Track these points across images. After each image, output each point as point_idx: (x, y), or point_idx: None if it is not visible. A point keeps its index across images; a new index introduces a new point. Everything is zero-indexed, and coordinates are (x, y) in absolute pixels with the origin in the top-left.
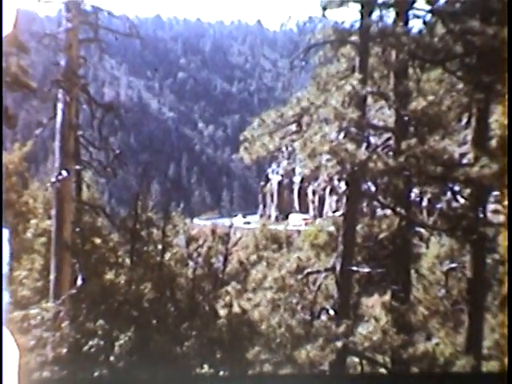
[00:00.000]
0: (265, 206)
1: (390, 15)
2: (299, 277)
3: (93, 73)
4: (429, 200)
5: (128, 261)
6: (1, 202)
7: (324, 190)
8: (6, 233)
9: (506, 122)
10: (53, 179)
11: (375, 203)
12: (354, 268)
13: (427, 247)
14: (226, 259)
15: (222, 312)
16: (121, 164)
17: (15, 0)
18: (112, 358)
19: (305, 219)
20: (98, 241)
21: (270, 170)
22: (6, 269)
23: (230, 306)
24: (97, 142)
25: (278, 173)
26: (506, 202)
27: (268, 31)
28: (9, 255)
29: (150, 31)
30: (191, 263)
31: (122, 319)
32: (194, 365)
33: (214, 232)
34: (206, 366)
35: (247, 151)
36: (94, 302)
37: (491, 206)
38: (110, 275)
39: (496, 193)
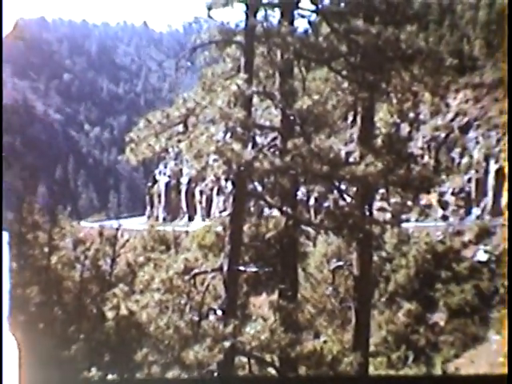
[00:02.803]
0: (152, 208)
1: (275, 15)
2: (187, 278)
3: None
4: (316, 199)
5: (14, 265)
6: (1, 203)
7: (211, 190)
8: (5, 235)
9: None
10: None
11: (262, 203)
12: (242, 268)
13: (314, 246)
14: (113, 261)
15: (110, 314)
16: (6, 167)
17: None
18: None
19: None
20: None
21: (157, 171)
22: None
23: (117, 308)
24: None
25: (165, 174)
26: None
27: (154, 32)
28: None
29: (34, 32)
30: (78, 266)
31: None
32: (82, 368)
33: (101, 234)
34: (93, 369)
35: (133, 152)
36: None
37: (377, 204)
38: None
39: (382, 191)
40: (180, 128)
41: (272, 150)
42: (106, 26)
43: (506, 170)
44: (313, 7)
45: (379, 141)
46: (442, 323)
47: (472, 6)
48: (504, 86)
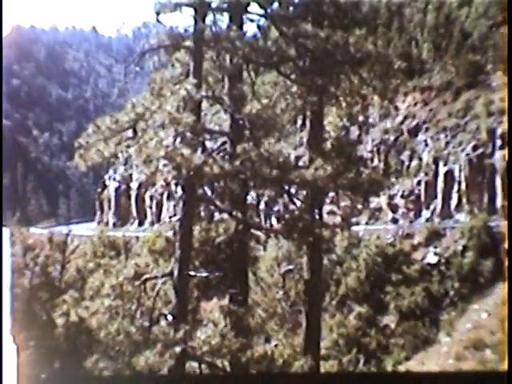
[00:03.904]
0: (102, 213)
1: (224, 19)
2: (137, 283)
3: None
4: (266, 203)
5: None
6: (1, 202)
7: (161, 195)
8: (6, 232)
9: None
10: None
11: (212, 207)
12: (192, 273)
13: (265, 250)
14: (63, 268)
15: (60, 321)
16: None
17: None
18: None
19: None
20: None
21: (106, 177)
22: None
23: (67, 314)
24: None
25: (114, 179)
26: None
27: (103, 37)
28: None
29: None
30: (28, 273)
31: None
32: (31, 376)
33: (51, 240)
34: (43, 376)
35: (82, 158)
36: None
37: (327, 208)
38: None
39: (331, 194)
40: (129, 133)
41: (221, 154)
42: (54, 31)
43: (506, 171)
44: (262, 11)
45: (328, 144)
46: (392, 326)
47: (420, 10)
48: (504, 86)
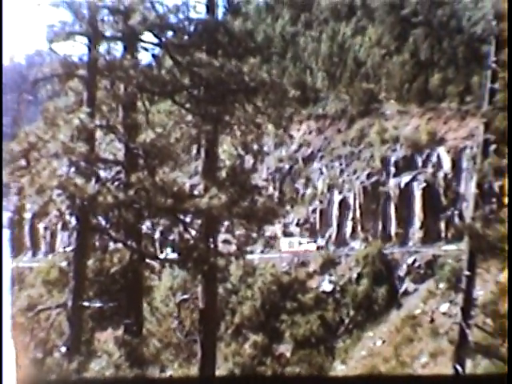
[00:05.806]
0: None
1: (118, 48)
2: (30, 314)
3: None
4: (161, 232)
5: None
6: (1, 202)
7: (55, 225)
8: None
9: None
10: None
11: (106, 237)
12: (86, 303)
13: (159, 279)
14: None
15: None
16: None
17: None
18: None
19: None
20: None
21: None
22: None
23: None
24: None
25: (7, 209)
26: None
27: None
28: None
29: None
30: None
31: None
32: None
33: None
34: None
35: None
36: None
37: (222, 236)
38: None
39: (226, 223)
40: (22, 162)
41: (116, 183)
42: None
43: (507, 172)
44: (156, 40)
45: (223, 173)
46: (288, 354)
47: (314, 39)
48: (507, 90)
